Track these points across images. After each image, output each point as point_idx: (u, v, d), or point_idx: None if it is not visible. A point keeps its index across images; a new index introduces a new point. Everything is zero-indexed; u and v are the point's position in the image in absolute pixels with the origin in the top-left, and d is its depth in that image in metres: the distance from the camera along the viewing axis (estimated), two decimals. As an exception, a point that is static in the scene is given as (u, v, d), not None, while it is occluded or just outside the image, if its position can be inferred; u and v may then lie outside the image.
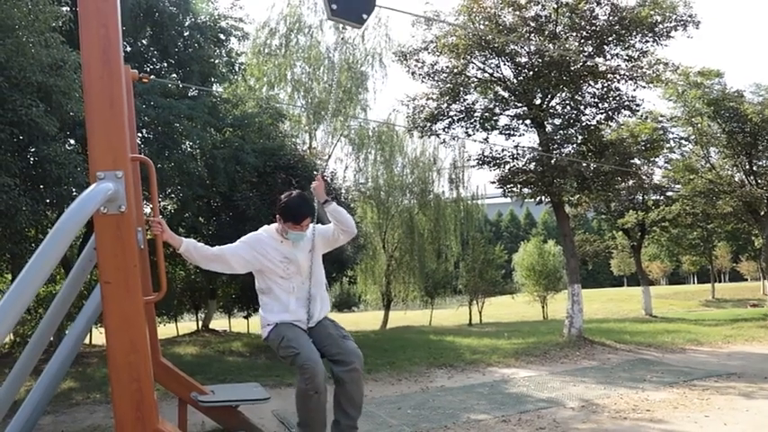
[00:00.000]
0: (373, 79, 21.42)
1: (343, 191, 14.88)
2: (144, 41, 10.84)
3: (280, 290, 3.68)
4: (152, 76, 9.77)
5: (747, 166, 17.58)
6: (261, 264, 3.65)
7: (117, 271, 2.20)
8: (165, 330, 17.17)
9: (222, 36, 11.79)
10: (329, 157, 20.52)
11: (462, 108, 14.02)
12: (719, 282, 54.59)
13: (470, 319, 23.52)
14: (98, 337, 13.67)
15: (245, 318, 16.81)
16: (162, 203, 12.35)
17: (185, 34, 10.90)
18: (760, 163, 17.47)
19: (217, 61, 11.95)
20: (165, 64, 11.15)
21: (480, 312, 24.08)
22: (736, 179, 18.18)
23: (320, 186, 3.76)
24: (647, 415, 6.18)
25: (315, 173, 12.31)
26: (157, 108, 9.06)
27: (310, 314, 3.71)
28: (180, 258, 14.58)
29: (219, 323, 20.61)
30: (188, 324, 20.05)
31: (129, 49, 10.34)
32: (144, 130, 9.78)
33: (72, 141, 8.59)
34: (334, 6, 3.49)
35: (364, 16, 3.66)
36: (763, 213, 17.63)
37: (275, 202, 10.70)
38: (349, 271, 13.48)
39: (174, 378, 4.50)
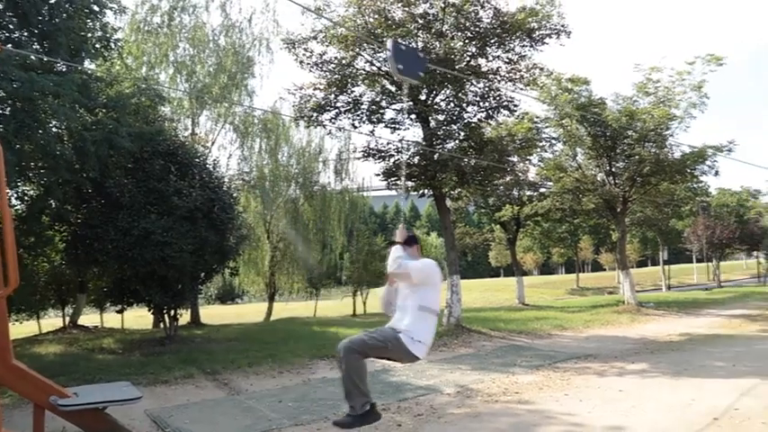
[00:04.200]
0: (260, 65, 20.86)
1: (226, 180, 14.37)
2: (-1, 5, 9.70)
3: None
4: (8, 46, 8.82)
5: (608, 167, 19.22)
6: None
7: (-48, 263, 1.94)
8: (24, 328, 15.70)
9: (96, 7, 10.81)
10: (212, 144, 19.74)
11: (350, 100, 14.05)
12: (583, 272, 59.49)
13: (355, 310, 23.75)
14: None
15: (119, 312, 15.72)
16: (22, 188, 11.26)
17: (51, 1, 9.90)
18: (618, 165, 19.16)
19: (89, 35, 10.96)
20: (27, 33, 10.06)
21: (365, 303, 24.40)
22: (599, 179, 19.82)
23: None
24: (515, 397, 6.61)
25: (196, 160, 11.78)
26: (16, 82, 8.17)
27: None
28: (42, 248, 13.39)
29: (90, 319, 19.19)
30: (53, 321, 18.47)
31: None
32: (-1, 106, 8.80)
33: None
34: (401, 67, 4.72)
35: (420, 74, 5.01)
36: (619, 210, 19.42)
37: (153, 189, 10.15)
38: (231, 262, 13.04)
39: (30, 381, 4.10)
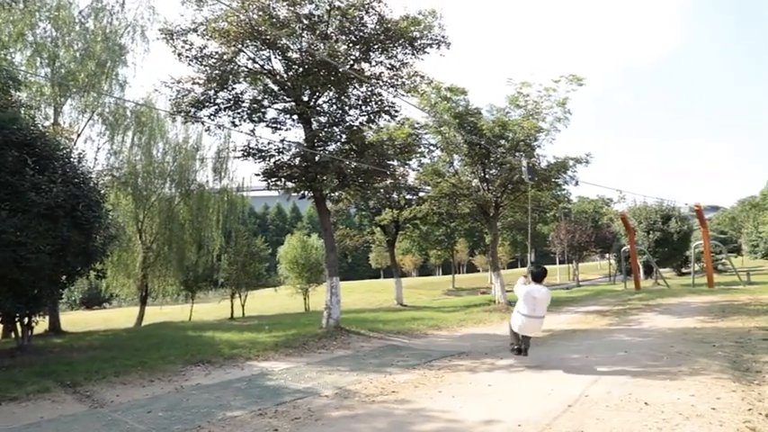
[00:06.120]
0: (133, 54, 19.61)
1: (93, 175, 13.35)
2: None
3: None
4: None
5: (482, 174, 20.29)
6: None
7: None
8: None
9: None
10: (78, 135, 18.24)
11: (230, 97, 13.65)
12: (459, 273, 62.29)
13: (232, 313, 23.09)
14: None
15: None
16: None
17: None
18: (491, 172, 20.28)
19: None
20: None
21: (243, 306, 23.78)
22: (474, 184, 20.83)
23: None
24: (392, 396, 6.76)
25: (58, 152, 10.80)
26: None
27: None
28: None
29: None
30: None
31: None
32: None
33: None
34: (530, 176, 13.46)
35: (535, 178, 15.88)
36: (492, 215, 20.56)
37: (5, 183, 9.17)
38: (97, 264, 12.07)
39: None
